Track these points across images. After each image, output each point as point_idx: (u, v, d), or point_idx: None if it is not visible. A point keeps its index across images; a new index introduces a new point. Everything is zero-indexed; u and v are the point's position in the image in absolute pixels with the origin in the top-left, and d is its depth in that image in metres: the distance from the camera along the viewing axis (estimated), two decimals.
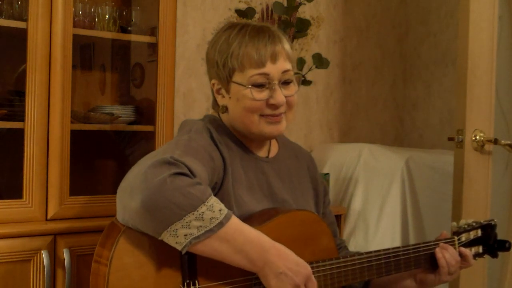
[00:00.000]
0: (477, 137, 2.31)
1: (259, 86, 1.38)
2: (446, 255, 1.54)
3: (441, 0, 3.51)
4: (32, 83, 1.84)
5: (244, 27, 1.42)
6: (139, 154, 2.18)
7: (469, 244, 1.63)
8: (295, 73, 1.44)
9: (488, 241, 1.67)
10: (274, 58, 1.38)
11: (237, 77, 1.39)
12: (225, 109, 1.44)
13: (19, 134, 1.84)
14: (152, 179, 1.16)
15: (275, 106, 1.39)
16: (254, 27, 1.42)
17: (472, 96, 2.29)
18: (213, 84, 1.46)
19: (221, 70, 1.41)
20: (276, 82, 1.39)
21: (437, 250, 1.54)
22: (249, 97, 1.38)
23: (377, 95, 3.64)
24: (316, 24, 2.88)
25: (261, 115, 1.40)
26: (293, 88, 1.43)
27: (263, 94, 1.38)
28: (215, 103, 1.52)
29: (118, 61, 2.39)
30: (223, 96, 1.44)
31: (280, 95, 1.39)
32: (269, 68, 1.38)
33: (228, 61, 1.39)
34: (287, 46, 1.43)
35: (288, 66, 1.41)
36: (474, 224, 1.65)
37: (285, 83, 1.41)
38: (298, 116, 3.22)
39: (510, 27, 2.89)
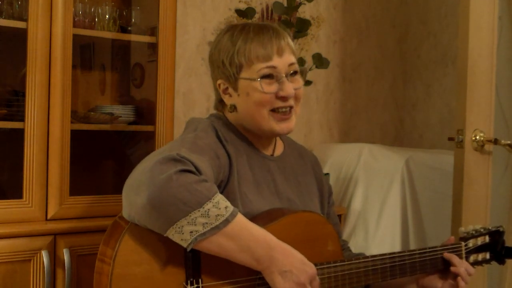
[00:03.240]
0: (477, 137, 2.31)
1: (268, 78, 1.40)
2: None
3: (441, 0, 3.51)
4: (32, 83, 1.84)
5: (246, 26, 1.44)
6: (139, 154, 2.18)
7: (476, 250, 1.61)
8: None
9: (496, 248, 1.65)
10: (280, 52, 1.41)
11: (244, 73, 1.41)
12: (234, 108, 1.45)
13: (19, 134, 1.84)
14: (158, 176, 1.16)
15: (285, 98, 1.41)
16: (256, 25, 1.44)
17: (472, 96, 2.29)
18: (219, 85, 1.46)
19: (228, 69, 1.42)
20: (284, 75, 1.41)
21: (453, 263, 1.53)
22: (259, 90, 1.39)
23: (377, 95, 3.64)
24: (316, 24, 2.89)
25: (271, 111, 1.41)
26: (299, 81, 1.45)
27: (272, 87, 1.40)
28: (218, 104, 1.52)
29: (118, 61, 2.39)
30: (231, 95, 1.45)
31: (289, 87, 1.41)
32: (276, 61, 1.40)
33: (235, 57, 1.40)
34: (290, 41, 1.46)
35: (293, 59, 1.44)
36: (482, 230, 1.64)
37: (292, 76, 1.43)
38: (298, 116, 3.22)
39: (510, 27, 2.89)
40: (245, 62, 1.40)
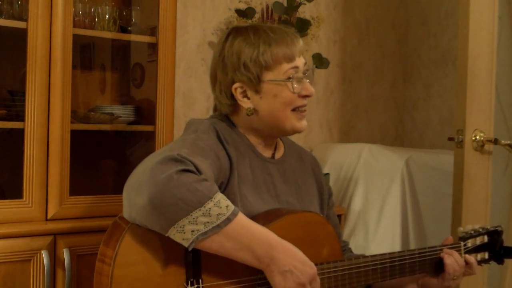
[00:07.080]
0: (477, 137, 2.31)
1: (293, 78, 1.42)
2: (451, 260, 1.53)
3: (441, 0, 3.51)
4: (32, 83, 1.84)
5: (259, 29, 1.43)
6: (139, 154, 2.18)
7: (475, 250, 1.61)
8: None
9: (495, 248, 1.65)
10: (300, 52, 1.44)
11: (269, 75, 1.41)
12: (253, 111, 1.43)
13: (19, 134, 1.84)
14: (158, 176, 1.16)
15: (306, 97, 1.44)
16: (268, 27, 1.45)
17: (472, 96, 2.29)
18: (236, 89, 1.43)
19: (251, 70, 1.40)
20: (302, 75, 1.44)
21: (446, 256, 1.53)
22: (289, 90, 1.41)
23: (377, 95, 3.64)
24: (316, 24, 2.88)
25: (292, 110, 1.43)
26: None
27: (298, 86, 1.42)
28: (220, 105, 1.48)
29: (118, 61, 2.39)
30: (249, 98, 1.43)
31: (310, 86, 1.45)
32: (297, 61, 1.43)
33: (260, 58, 1.39)
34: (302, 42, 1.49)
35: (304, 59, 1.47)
36: (480, 230, 1.64)
37: (306, 75, 1.46)
38: None
39: (510, 27, 2.89)
40: (272, 62, 1.40)
